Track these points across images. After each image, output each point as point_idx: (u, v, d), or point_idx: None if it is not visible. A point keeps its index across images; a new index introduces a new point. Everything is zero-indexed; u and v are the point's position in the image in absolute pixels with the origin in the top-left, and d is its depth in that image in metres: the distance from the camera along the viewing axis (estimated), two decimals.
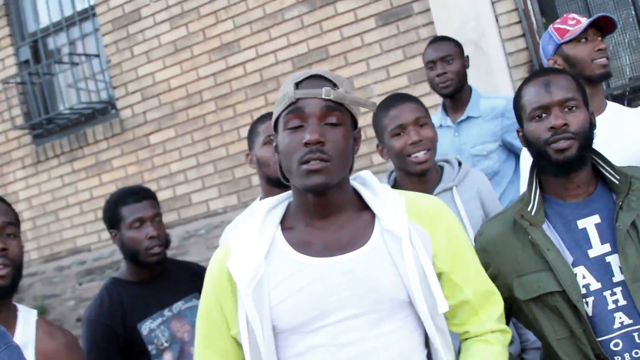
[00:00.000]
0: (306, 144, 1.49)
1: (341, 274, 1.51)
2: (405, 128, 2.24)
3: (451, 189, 2.30)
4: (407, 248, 1.52)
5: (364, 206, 1.61)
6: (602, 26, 2.47)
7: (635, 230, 1.74)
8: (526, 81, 1.89)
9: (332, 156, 1.50)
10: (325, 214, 1.57)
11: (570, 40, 2.45)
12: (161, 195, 4.79)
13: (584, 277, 1.75)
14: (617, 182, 1.80)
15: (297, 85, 1.54)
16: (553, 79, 1.83)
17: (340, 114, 1.54)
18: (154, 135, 5.06)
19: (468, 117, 3.15)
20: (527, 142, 1.86)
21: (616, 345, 1.73)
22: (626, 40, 4.08)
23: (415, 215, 1.59)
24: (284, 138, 1.54)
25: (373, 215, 1.59)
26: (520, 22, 4.05)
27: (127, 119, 5.15)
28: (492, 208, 2.37)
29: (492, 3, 4.11)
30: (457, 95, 3.16)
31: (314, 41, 4.48)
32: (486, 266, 1.77)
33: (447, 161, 2.39)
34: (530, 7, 4.06)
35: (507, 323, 1.84)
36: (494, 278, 1.76)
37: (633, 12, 4.03)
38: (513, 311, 1.88)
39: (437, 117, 3.18)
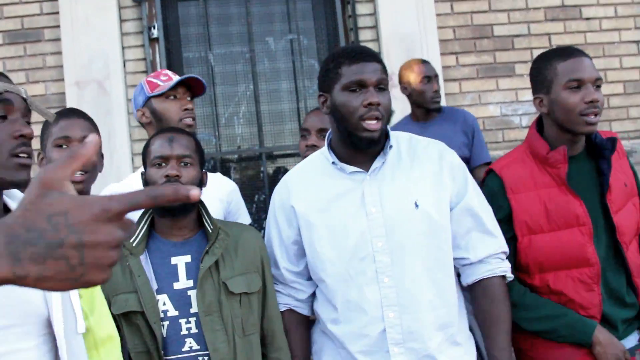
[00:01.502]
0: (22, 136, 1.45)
1: None
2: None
3: None
4: None
5: None
6: (193, 86, 2.58)
7: (217, 272, 2.08)
8: (156, 135, 2.16)
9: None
10: None
11: (160, 95, 2.52)
12: None
13: (164, 304, 2.06)
14: (210, 231, 2.12)
15: None
16: (177, 136, 2.14)
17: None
18: None
19: None
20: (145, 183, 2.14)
21: None
22: (241, 112, 4.40)
23: None
24: None
25: None
26: (146, 71, 4.18)
27: None
28: None
29: (123, 48, 4.20)
30: None
31: None
32: None
33: None
34: (158, 59, 4.21)
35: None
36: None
37: (252, 86, 4.38)
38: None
39: None
